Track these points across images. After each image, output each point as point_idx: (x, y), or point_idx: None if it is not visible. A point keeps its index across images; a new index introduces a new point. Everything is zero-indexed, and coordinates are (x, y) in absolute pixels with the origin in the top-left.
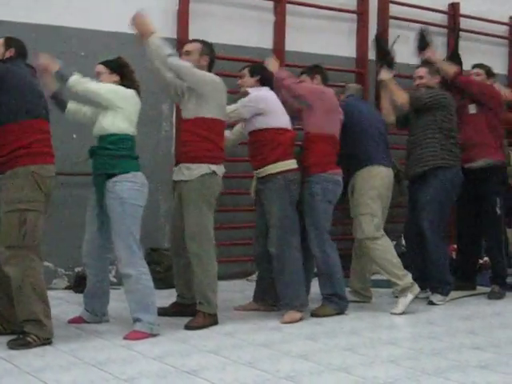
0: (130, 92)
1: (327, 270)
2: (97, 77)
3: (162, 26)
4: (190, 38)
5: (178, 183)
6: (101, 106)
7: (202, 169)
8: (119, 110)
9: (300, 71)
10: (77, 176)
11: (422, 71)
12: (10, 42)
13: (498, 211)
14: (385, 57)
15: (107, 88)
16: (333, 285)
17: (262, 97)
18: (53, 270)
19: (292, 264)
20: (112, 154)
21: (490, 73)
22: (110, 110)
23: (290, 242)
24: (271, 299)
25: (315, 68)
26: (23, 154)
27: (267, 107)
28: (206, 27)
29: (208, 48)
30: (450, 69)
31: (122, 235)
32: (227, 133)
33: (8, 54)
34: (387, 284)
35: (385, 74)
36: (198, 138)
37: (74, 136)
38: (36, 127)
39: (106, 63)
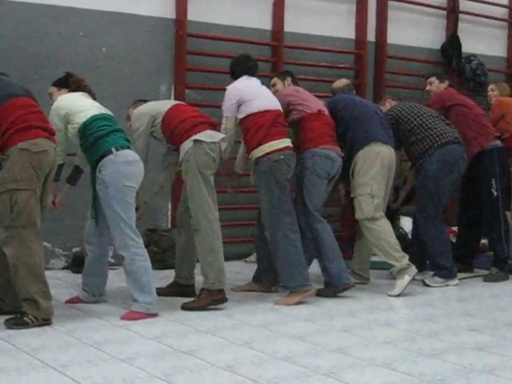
0: (74, 94)
1: (316, 245)
2: (50, 98)
3: (161, 7)
4: (189, 18)
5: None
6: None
7: (186, 145)
8: (69, 116)
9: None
10: (74, 156)
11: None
12: None
13: (495, 193)
14: None
15: (54, 122)
16: (322, 260)
17: (234, 89)
18: (50, 251)
19: (285, 245)
20: (85, 147)
21: (441, 77)
22: (68, 125)
23: (282, 223)
24: (268, 281)
25: (286, 72)
26: (10, 133)
27: (243, 96)
28: (205, 8)
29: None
30: None
31: (110, 219)
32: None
33: None
34: (385, 265)
35: None
36: (173, 130)
37: None
38: (17, 104)
39: (54, 83)
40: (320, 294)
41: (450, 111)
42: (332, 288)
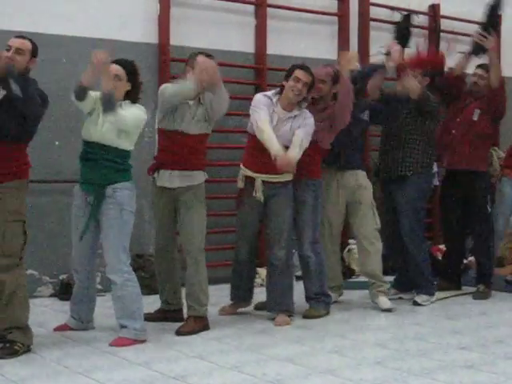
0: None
1: (319, 269)
2: (114, 79)
3: (143, 32)
4: (172, 43)
5: (171, 189)
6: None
7: (201, 176)
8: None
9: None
10: (59, 183)
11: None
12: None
13: (489, 209)
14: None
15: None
16: (322, 284)
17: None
18: (37, 278)
19: (291, 269)
20: (118, 168)
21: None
22: (131, 134)
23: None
24: (245, 301)
25: None
26: (25, 169)
27: None
28: (187, 32)
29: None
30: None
31: (113, 241)
32: None
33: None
34: (366, 285)
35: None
36: (199, 151)
37: (57, 143)
38: (26, 148)
39: (122, 66)
40: (309, 315)
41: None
42: (325, 307)
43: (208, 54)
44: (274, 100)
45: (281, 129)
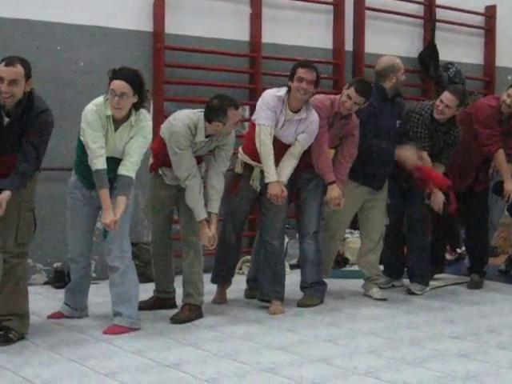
0: None
1: (318, 257)
2: (121, 97)
3: (139, 21)
4: (167, 31)
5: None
6: None
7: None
8: None
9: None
10: (54, 171)
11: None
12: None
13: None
14: None
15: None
16: (319, 273)
17: None
18: (31, 266)
19: (284, 258)
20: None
21: None
22: None
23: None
24: (228, 282)
25: None
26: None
27: None
28: (182, 20)
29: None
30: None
31: (119, 229)
32: None
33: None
34: (358, 274)
35: None
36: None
37: None
38: None
39: (128, 82)
40: (304, 304)
41: None
42: (320, 296)
43: (236, 104)
44: (285, 100)
45: (286, 130)
